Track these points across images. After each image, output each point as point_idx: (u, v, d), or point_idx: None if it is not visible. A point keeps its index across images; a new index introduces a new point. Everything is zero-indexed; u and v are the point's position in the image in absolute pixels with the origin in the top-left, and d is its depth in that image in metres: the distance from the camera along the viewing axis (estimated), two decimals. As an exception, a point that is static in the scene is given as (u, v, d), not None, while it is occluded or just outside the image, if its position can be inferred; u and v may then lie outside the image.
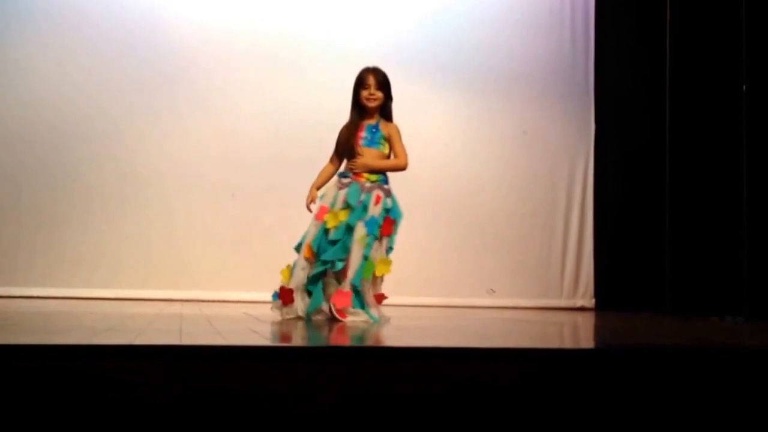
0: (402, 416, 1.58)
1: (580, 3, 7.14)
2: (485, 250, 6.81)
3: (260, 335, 2.15)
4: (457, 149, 6.87)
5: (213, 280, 6.18)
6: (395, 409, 1.58)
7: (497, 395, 1.63)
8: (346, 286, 3.27)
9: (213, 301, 5.73)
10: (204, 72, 6.41)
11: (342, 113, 6.33)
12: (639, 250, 6.52)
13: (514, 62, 6.96)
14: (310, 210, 3.53)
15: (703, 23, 5.85)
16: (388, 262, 3.39)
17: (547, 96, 7.00)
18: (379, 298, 3.45)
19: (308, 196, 3.55)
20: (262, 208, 6.38)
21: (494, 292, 6.21)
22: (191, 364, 1.58)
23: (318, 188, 3.60)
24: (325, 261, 3.31)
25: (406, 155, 3.55)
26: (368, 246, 3.30)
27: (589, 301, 6.92)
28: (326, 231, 3.37)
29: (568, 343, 2.51)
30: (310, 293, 3.35)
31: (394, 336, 2.52)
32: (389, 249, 3.45)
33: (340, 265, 3.30)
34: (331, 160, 3.70)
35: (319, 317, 3.31)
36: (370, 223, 3.35)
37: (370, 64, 3.76)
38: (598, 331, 3.34)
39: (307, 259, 3.39)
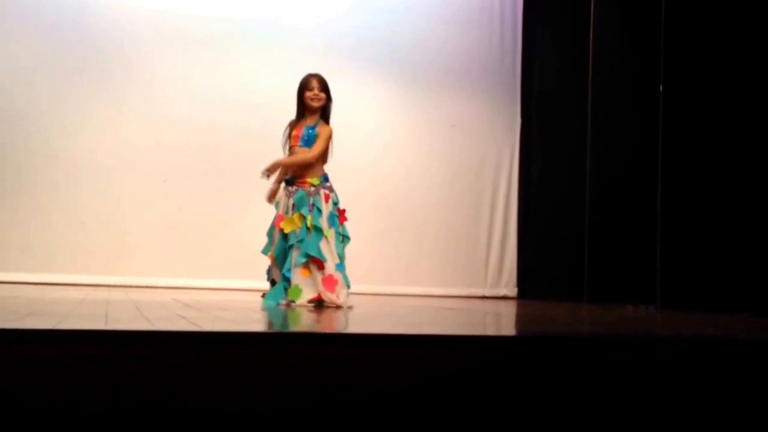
0: (322, 402, 1.62)
1: (508, 0, 7.29)
2: (412, 240, 6.91)
3: (188, 321, 2.15)
4: (385, 140, 6.93)
5: (142, 265, 6.10)
6: (313, 395, 1.62)
7: (422, 381, 1.69)
8: (336, 274, 3.61)
9: (141, 287, 5.65)
10: (136, 57, 6.33)
11: (270, 100, 6.36)
12: (560, 242, 6.74)
13: (443, 57, 7.06)
14: (270, 202, 3.86)
15: (626, 23, 6.07)
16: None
17: (476, 90, 7.14)
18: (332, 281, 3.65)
19: (268, 193, 3.87)
20: (193, 194, 6.33)
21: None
22: (116, 349, 1.57)
23: (279, 182, 3.87)
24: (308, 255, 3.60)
25: (317, 152, 3.76)
26: (337, 237, 3.70)
27: (512, 290, 7.11)
28: (285, 236, 3.67)
29: (490, 331, 2.60)
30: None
31: (318, 322, 2.56)
32: (346, 238, 3.78)
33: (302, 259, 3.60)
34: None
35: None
36: (330, 218, 3.69)
37: (303, 59, 3.90)
38: (520, 319, 3.46)
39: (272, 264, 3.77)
